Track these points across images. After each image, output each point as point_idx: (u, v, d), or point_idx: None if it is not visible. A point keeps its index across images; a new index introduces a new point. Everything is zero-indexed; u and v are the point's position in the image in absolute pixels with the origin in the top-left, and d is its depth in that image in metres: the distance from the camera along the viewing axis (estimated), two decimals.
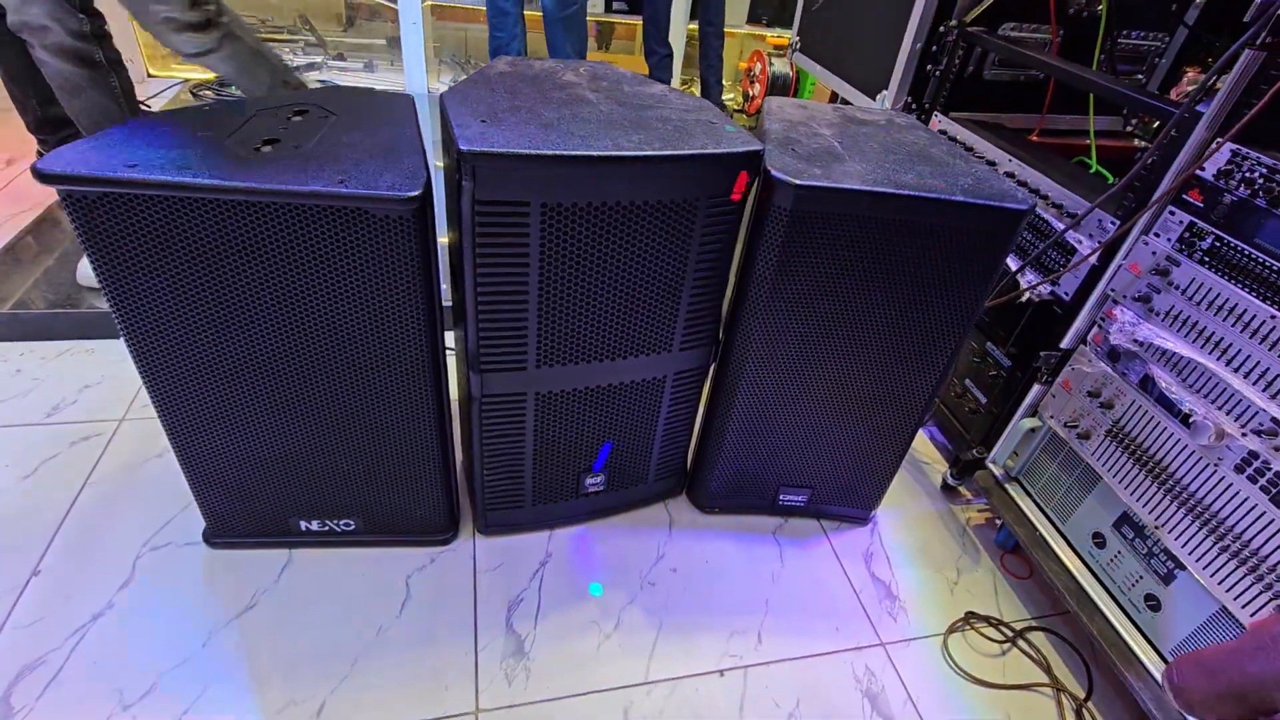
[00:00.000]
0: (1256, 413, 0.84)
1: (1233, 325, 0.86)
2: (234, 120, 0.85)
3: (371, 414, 0.95)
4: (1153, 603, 0.99)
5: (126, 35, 2.53)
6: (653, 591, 1.12)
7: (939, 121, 1.43)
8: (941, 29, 1.39)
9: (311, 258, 0.79)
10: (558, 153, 0.77)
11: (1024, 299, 1.19)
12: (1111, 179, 1.35)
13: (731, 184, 0.89)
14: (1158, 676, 0.96)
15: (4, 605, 0.97)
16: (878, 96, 1.51)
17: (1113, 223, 1.05)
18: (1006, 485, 1.24)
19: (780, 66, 2.93)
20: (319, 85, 2.71)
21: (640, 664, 1.02)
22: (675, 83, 2.94)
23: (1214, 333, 0.89)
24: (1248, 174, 0.85)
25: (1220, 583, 0.89)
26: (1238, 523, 0.86)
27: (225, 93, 2.55)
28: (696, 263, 0.94)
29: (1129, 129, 1.60)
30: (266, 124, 0.86)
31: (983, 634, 1.13)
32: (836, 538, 1.27)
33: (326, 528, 1.09)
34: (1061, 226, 1.13)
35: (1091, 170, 1.37)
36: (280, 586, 1.05)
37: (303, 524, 1.08)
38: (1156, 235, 0.96)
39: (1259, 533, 0.84)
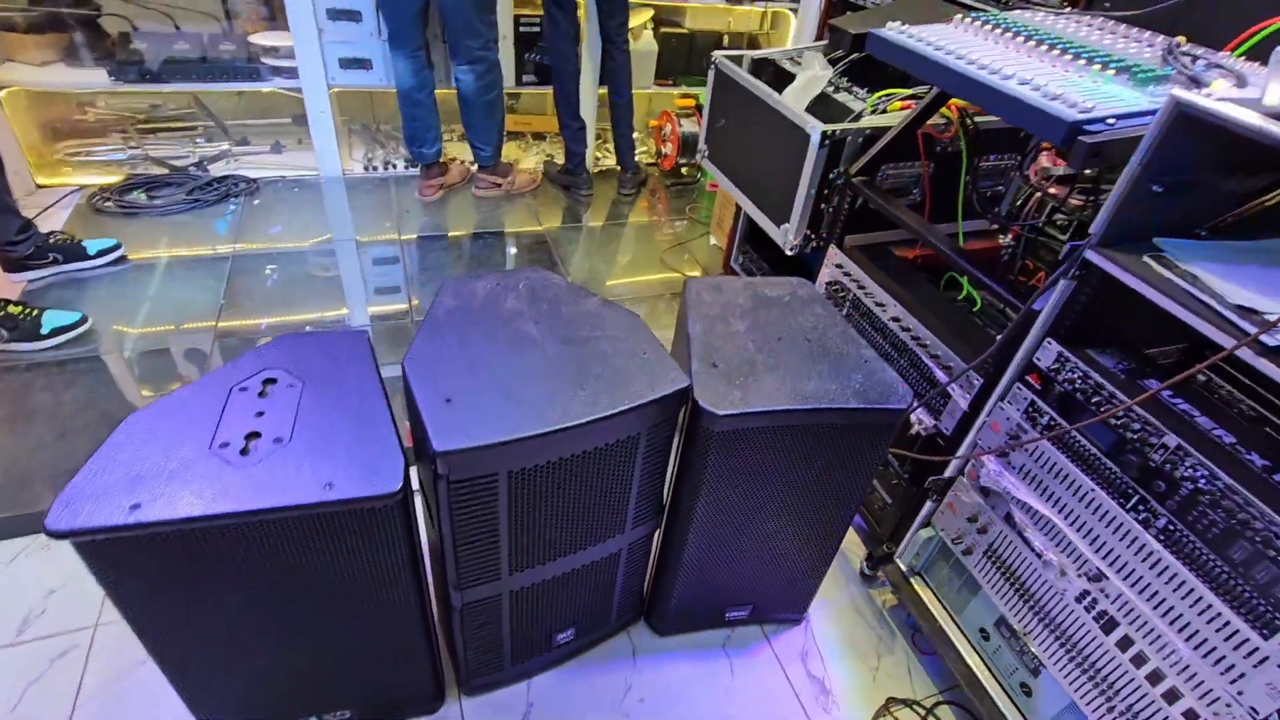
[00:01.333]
0: (1086, 560, 1.07)
1: (1067, 489, 1.09)
2: (211, 410, 0.93)
3: (365, 634, 1.06)
4: (1026, 690, 1.24)
5: (8, 147, 2.40)
6: None
7: (835, 255, 1.62)
8: (831, 176, 1.57)
9: (305, 547, 0.89)
10: (519, 435, 0.90)
11: (914, 430, 1.41)
12: (979, 303, 1.58)
13: (668, 419, 1.04)
14: None
15: None
16: (781, 227, 1.68)
17: (979, 379, 1.26)
18: (912, 580, 1.46)
19: (689, 126, 3.07)
20: (228, 176, 2.66)
21: None
22: (590, 150, 3.04)
23: (1054, 492, 1.11)
24: (1069, 373, 1.07)
25: (1069, 683, 1.13)
26: (1079, 640, 1.10)
27: (126, 200, 2.46)
28: (640, 473, 1.09)
29: (995, 227, 1.85)
30: (243, 410, 0.94)
31: (899, 718, 1.36)
32: (776, 641, 1.47)
33: None
34: (940, 374, 1.35)
35: (963, 294, 1.59)
36: None
37: None
38: (1010, 404, 1.18)
39: (1093, 651, 1.08)
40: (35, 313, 1.81)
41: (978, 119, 1.60)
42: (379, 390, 1.00)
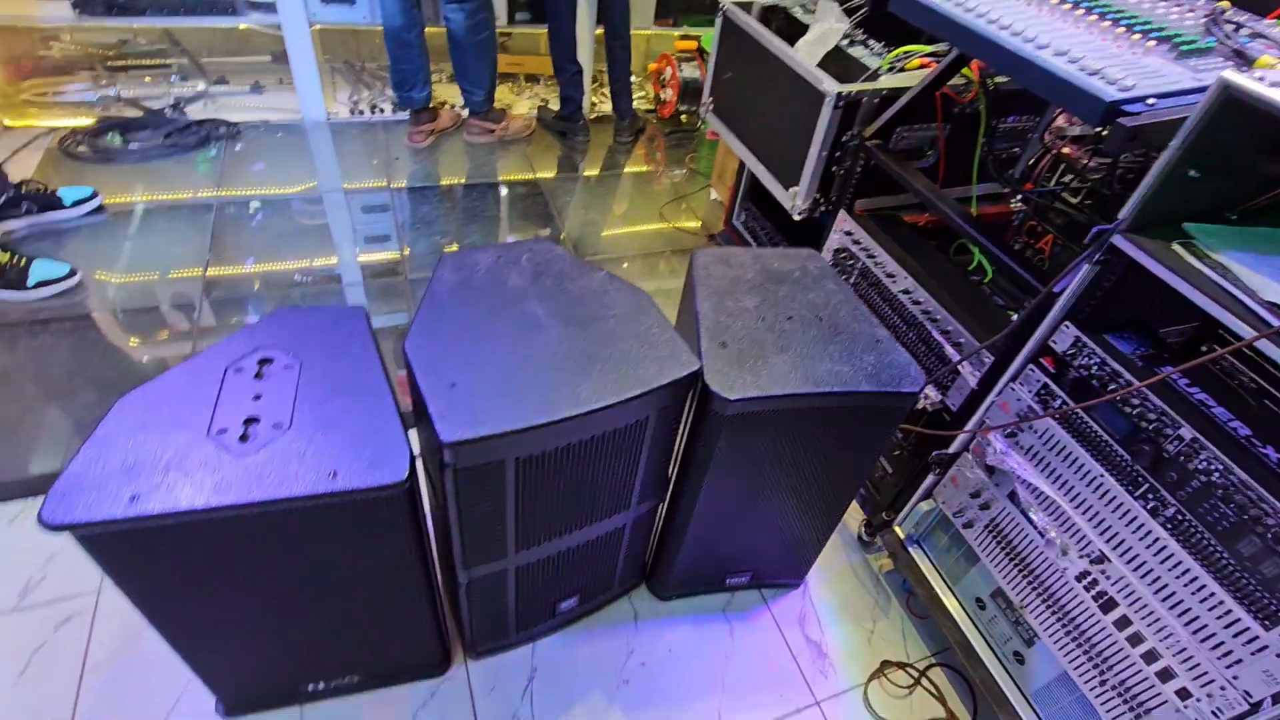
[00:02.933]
0: (1090, 542, 1.08)
1: (1075, 472, 1.09)
2: (207, 393, 0.90)
3: (371, 609, 1.06)
4: (1019, 658, 1.27)
5: None
6: (628, 690, 1.32)
7: (845, 221, 1.57)
8: (845, 138, 1.50)
9: (310, 536, 0.87)
10: (527, 425, 0.87)
11: (921, 404, 1.40)
12: (991, 272, 1.54)
13: (678, 401, 1.02)
14: (1022, 714, 1.25)
15: None
16: (789, 190, 1.63)
17: (990, 358, 1.25)
18: (910, 548, 1.49)
19: (689, 71, 2.94)
20: (207, 120, 2.53)
21: None
22: (587, 95, 2.91)
23: (1061, 474, 1.11)
24: (1086, 358, 1.05)
25: (1064, 655, 1.16)
26: (1077, 616, 1.13)
27: (100, 144, 2.34)
28: (648, 454, 1.07)
29: (1006, 191, 1.80)
30: (239, 393, 0.90)
31: (893, 680, 1.40)
32: (775, 605, 1.50)
33: (333, 685, 1.21)
34: (950, 350, 1.33)
35: (973, 264, 1.56)
36: None
37: (310, 686, 1.20)
38: (1021, 385, 1.16)
39: (1091, 627, 1.10)
40: (23, 262, 1.74)
41: (999, 80, 1.53)
42: (380, 371, 0.97)
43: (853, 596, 1.54)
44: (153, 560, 0.82)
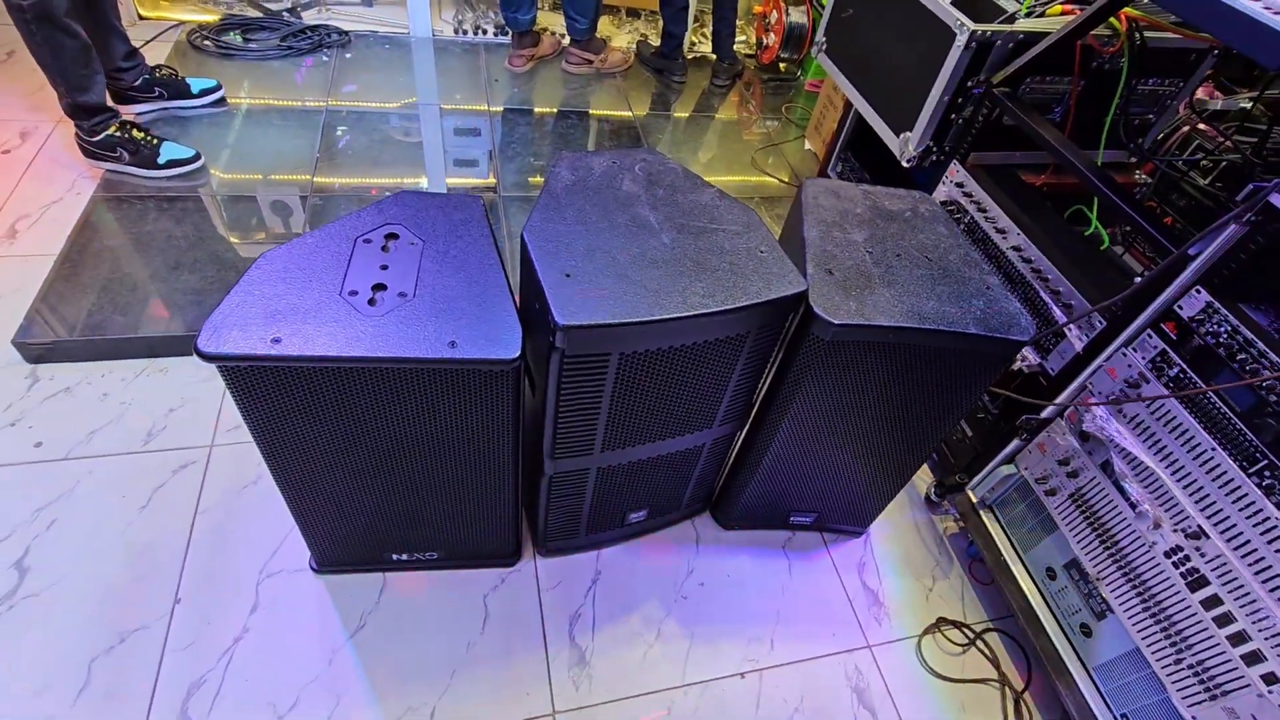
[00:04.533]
0: (1188, 517, 1.05)
1: (1181, 445, 1.05)
2: (339, 257, 0.95)
3: (460, 485, 1.12)
4: (1086, 630, 1.25)
5: None
6: (685, 605, 1.37)
7: (957, 172, 1.51)
8: (969, 84, 1.43)
9: (423, 398, 0.92)
10: (638, 319, 0.89)
11: (1016, 366, 1.36)
12: (1107, 240, 1.47)
13: (778, 321, 1.02)
14: (1082, 686, 1.24)
15: (160, 630, 1.18)
16: (901, 136, 1.57)
17: (1101, 322, 1.20)
18: (981, 512, 1.47)
19: (797, 16, 2.84)
20: (320, 25, 2.60)
21: (678, 670, 1.28)
22: (687, 34, 2.85)
23: (1166, 446, 1.07)
24: (1215, 326, 1.00)
25: (1139, 631, 1.13)
26: (1160, 593, 1.10)
27: (223, 41, 2.44)
28: (739, 373, 1.08)
29: (1131, 161, 1.69)
30: (368, 261, 0.95)
31: (948, 637, 1.41)
32: (835, 550, 1.51)
33: (414, 558, 1.29)
34: (1058, 312, 1.28)
35: (1089, 230, 1.48)
36: (382, 608, 1.27)
37: (394, 556, 1.28)
38: (1135, 350, 1.12)
39: (1174, 605, 1.07)
40: (156, 141, 1.86)
41: (1148, 34, 1.43)
42: (496, 257, 1.00)
43: (914, 553, 1.54)
44: (283, 400, 0.88)
